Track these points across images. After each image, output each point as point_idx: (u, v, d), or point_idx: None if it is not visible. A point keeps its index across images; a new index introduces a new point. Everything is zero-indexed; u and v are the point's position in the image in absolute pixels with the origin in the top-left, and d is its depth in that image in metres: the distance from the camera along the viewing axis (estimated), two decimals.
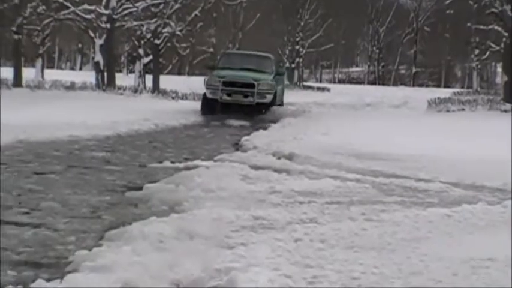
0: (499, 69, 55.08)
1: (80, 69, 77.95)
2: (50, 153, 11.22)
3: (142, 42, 36.45)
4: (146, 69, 37.96)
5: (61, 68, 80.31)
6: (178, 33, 34.47)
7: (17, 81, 29.63)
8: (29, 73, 36.79)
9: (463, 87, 67.11)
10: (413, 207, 7.31)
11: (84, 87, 30.35)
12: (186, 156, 11.71)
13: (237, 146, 13.93)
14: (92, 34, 32.27)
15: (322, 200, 7.55)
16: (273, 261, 4.96)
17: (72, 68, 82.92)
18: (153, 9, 32.87)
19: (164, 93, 30.72)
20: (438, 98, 29.40)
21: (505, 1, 29.76)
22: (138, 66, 38.56)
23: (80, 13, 29.74)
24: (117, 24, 31.41)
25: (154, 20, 33.12)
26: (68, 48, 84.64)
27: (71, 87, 29.94)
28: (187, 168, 9.66)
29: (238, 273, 4.56)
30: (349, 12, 78.06)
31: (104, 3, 29.89)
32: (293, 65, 61.14)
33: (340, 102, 35.24)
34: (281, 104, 23.70)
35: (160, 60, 38.10)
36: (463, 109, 26.01)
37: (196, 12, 35.13)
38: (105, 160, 10.83)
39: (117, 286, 4.46)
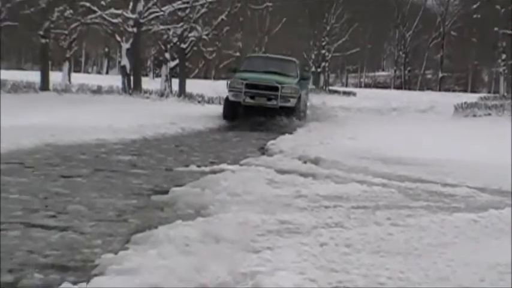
0: None
1: (107, 73, 78.36)
2: (77, 156, 11.29)
3: (168, 46, 36.61)
4: (172, 73, 38.11)
5: (88, 72, 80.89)
6: (204, 37, 34.60)
7: (44, 85, 29.85)
8: (56, 77, 37.05)
9: (489, 92, 66.64)
10: (440, 212, 7.25)
11: (110, 91, 30.55)
12: (212, 160, 11.71)
13: (263, 150, 13.93)
14: (118, 38, 32.51)
15: (348, 204, 7.51)
16: (299, 265, 4.94)
17: (98, 72, 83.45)
18: (179, 13, 33.02)
19: (190, 97, 30.84)
20: (465, 102, 29.24)
21: None
22: (164, 70, 38.73)
23: (106, 17, 29.95)
24: (144, 28, 31.57)
25: (181, 24, 33.26)
26: (95, 52, 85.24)
27: (98, 91, 30.15)
28: (213, 172, 9.65)
29: (263, 277, 4.56)
30: (375, 16, 77.93)
31: (130, 7, 30.07)
32: (319, 69, 61.19)
33: (366, 106, 35.16)
34: (305, 110, 22.88)
35: (187, 64, 38.26)
36: (490, 114, 25.86)
37: (223, 16, 35.26)
38: (131, 164, 10.85)
39: None
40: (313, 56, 61.52)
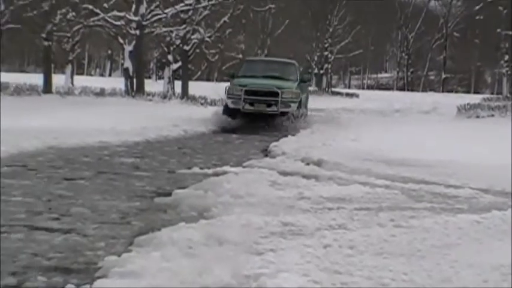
0: None
1: (110, 75, 78.56)
2: (80, 159, 11.29)
3: (171, 48, 36.64)
4: (175, 75, 38.17)
5: (91, 74, 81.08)
6: (207, 39, 34.62)
7: (47, 88, 29.91)
8: (59, 79, 37.14)
9: (492, 93, 66.67)
10: (443, 213, 7.25)
11: (113, 93, 30.57)
12: (215, 162, 11.69)
13: (266, 152, 13.91)
14: (121, 40, 32.55)
15: (351, 206, 7.51)
16: (302, 267, 4.94)
17: (101, 74, 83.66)
18: (182, 15, 33.03)
19: (193, 99, 30.84)
20: (468, 104, 29.20)
21: None
22: (167, 73, 38.79)
23: (109, 20, 29.98)
24: (147, 30, 31.59)
25: (184, 26, 33.28)
26: (98, 54, 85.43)
27: (101, 93, 30.17)
28: (216, 174, 9.65)
29: (267, 279, 4.56)
30: (378, 18, 78.01)
31: (133, 9, 30.09)
32: (322, 71, 61.18)
33: (369, 108, 35.22)
34: (305, 113, 21.84)
35: (189, 66, 38.30)
36: (493, 115, 25.82)
37: (225, 18, 35.28)
38: (134, 166, 10.87)
39: None
40: (315, 58, 61.53)
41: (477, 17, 43.27)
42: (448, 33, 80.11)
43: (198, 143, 15.47)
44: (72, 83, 42.28)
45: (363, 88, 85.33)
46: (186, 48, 34.64)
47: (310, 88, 59.25)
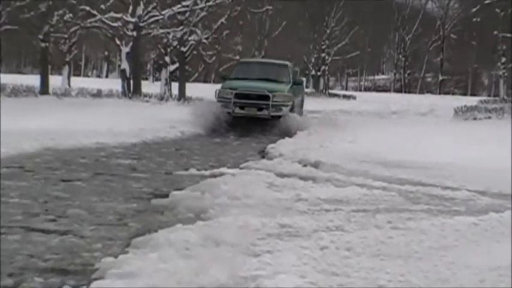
0: None
1: (106, 76, 78.48)
2: (77, 160, 11.30)
3: (168, 50, 36.59)
4: (172, 76, 38.09)
5: (87, 76, 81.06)
6: (204, 41, 34.57)
7: (44, 89, 29.86)
8: (55, 81, 37.05)
9: (489, 96, 66.83)
10: (440, 215, 7.27)
11: (110, 94, 30.53)
12: (212, 164, 11.73)
13: (263, 154, 13.93)
14: (118, 42, 32.47)
15: (348, 208, 7.53)
16: (299, 269, 4.96)
17: (98, 76, 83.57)
18: (179, 17, 33.00)
19: (190, 100, 30.79)
20: (465, 106, 29.23)
21: None
22: (164, 74, 38.70)
23: (106, 21, 29.92)
24: (144, 32, 31.56)
25: (181, 27, 33.24)
26: (95, 55, 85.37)
27: (98, 94, 30.14)
28: (213, 176, 9.68)
29: (264, 280, 4.57)
30: (375, 20, 78.08)
31: (130, 11, 30.05)
32: (319, 73, 61.17)
33: (366, 110, 35.22)
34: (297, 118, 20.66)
35: (186, 67, 38.21)
36: (490, 117, 25.85)
37: (222, 20, 35.25)
38: (131, 167, 10.88)
39: None
40: (313, 60, 61.50)
41: (474, 19, 43.31)
42: (445, 35, 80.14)
43: (195, 144, 15.47)
44: (69, 84, 42.20)
45: (360, 90, 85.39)
46: (183, 49, 34.60)
47: (307, 90, 59.39)
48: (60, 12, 30.51)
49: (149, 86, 41.16)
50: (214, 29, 35.43)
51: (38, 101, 25.30)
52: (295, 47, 58.89)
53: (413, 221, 6.80)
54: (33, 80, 34.51)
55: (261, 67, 22.69)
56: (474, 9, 42.07)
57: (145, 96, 30.15)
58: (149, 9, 30.86)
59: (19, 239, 5.88)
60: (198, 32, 33.98)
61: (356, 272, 4.96)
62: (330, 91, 62.45)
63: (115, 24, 30.28)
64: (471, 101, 40.67)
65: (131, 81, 31.53)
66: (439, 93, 74.58)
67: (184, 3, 32.15)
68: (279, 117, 19.34)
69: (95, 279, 4.79)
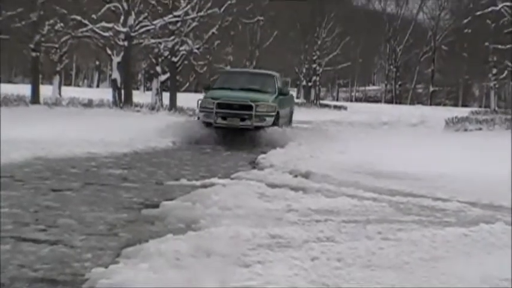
0: None
1: (97, 86, 78.50)
2: (67, 170, 11.29)
3: (159, 59, 36.67)
4: (163, 86, 38.17)
5: (78, 85, 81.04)
6: (195, 51, 34.64)
7: (35, 98, 29.82)
8: (46, 90, 37.05)
9: (480, 107, 67.11)
10: (431, 226, 7.29)
11: (101, 104, 30.53)
12: (203, 174, 11.71)
13: (254, 164, 13.91)
14: (109, 51, 32.51)
15: (339, 218, 7.52)
16: (290, 279, 4.96)
17: (89, 85, 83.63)
18: (170, 27, 33.05)
19: (181, 110, 30.81)
20: (456, 117, 29.32)
21: None
22: (155, 84, 38.77)
23: (97, 31, 29.93)
24: (135, 41, 31.57)
25: (172, 37, 33.29)
26: (86, 65, 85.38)
27: (88, 104, 30.12)
28: (204, 186, 9.67)
29: None
30: (366, 31, 78.42)
31: (121, 21, 30.08)
32: (310, 83, 61.38)
33: (357, 120, 35.32)
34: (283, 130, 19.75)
35: (178, 77, 38.27)
36: (481, 128, 25.92)
37: (214, 30, 35.34)
38: (122, 177, 10.86)
39: None
40: (304, 70, 61.78)
41: (465, 31, 43.46)
42: (436, 46, 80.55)
43: (186, 155, 15.46)
44: (60, 94, 42.23)
45: (351, 100, 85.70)
46: (175, 59, 34.65)
47: (298, 100, 59.51)
48: (51, 21, 30.54)
49: (140, 96, 41.22)
50: (206, 39, 35.51)
51: (28, 111, 25.27)
52: (286, 57, 59.10)
53: (404, 232, 6.80)
54: (24, 89, 34.50)
55: (245, 77, 22.18)
56: (465, 21, 42.20)
57: (136, 106, 30.14)
58: (140, 19, 30.90)
59: (9, 249, 5.86)
60: (190, 42, 34.05)
61: (346, 283, 4.97)
62: (321, 101, 62.71)
63: (106, 34, 30.30)
64: (462, 112, 40.86)
65: (122, 91, 31.55)
66: (430, 104, 74.94)
67: (175, 14, 32.22)
68: (263, 127, 18.79)
69: None
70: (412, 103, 79.86)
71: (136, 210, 7.92)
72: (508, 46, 36.22)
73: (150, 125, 19.19)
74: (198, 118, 19.73)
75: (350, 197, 8.90)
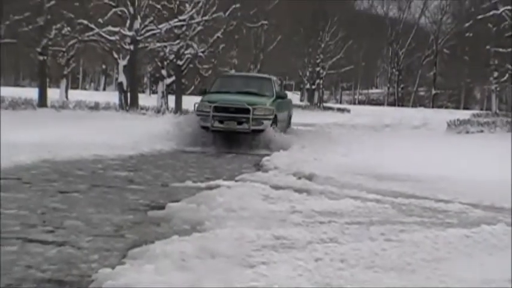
0: None
1: (104, 89, 78.59)
2: (74, 172, 11.34)
3: (165, 63, 36.75)
4: (169, 89, 38.23)
5: (85, 89, 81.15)
6: (200, 54, 34.68)
7: (42, 102, 29.95)
8: (53, 93, 37.13)
9: (482, 109, 67.05)
10: (433, 227, 7.31)
11: (107, 107, 30.60)
12: (208, 176, 11.75)
13: (258, 166, 13.93)
14: (115, 55, 32.64)
15: (342, 220, 7.56)
16: (294, 280, 5.00)
17: (96, 89, 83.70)
18: (176, 31, 33.14)
19: (186, 113, 30.83)
20: (457, 119, 29.35)
21: None
22: (160, 87, 38.85)
23: (104, 35, 30.04)
24: (141, 45, 31.68)
25: (177, 41, 33.37)
26: (92, 69, 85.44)
27: (95, 107, 30.20)
28: (209, 188, 9.71)
29: None
30: (369, 34, 78.35)
31: (127, 25, 30.19)
32: (313, 86, 61.40)
33: (360, 123, 35.32)
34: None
35: (183, 81, 38.33)
36: (482, 131, 25.94)
37: (219, 34, 35.39)
38: (128, 179, 10.91)
39: None
40: (308, 73, 61.78)
41: (467, 34, 43.37)
42: (438, 49, 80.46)
43: (191, 157, 15.49)
44: (66, 97, 42.37)
45: (354, 103, 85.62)
46: (180, 63, 34.71)
47: (302, 103, 59.52)
48: (58, 25, 30.62)
49: (146, 99, 41.27)
50: (211, 43, 35.56)
51: (36, 114, 25.35)
52: (290, 60, 59.12)
53: (407, 233, 6.82)
54: (31, 92, 34.61)
55: (242, 80, 21.90)
56: (467, 24, 42.18)
57: (142, 109, 30.22)
58: (146, 23, 31.01)
59: (17, 250, 5.90)
60: (195, 45, 34.12)
61: (350, 284, 5.00)
62: (325, 104, 62.67)
63: (112, 38, 30.41)
64: (464, 114, 40.82)
65: (128, 94, 31.66)
66: (432, 107, 74.88)
67: (181, 18, 32.32)
68: (260, 131, 18.42)
69: None
70: (414, 106, 79.75)
71: (142, 212, 7.96)
72: (509, 49, 36.23)
73: (155, 128, 19.15)
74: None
75: (353, 199, 8.93)
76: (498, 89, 51.90)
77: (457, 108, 75.28)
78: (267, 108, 18.83)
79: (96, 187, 9.84)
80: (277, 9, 50.75)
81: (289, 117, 22.87)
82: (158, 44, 33.58)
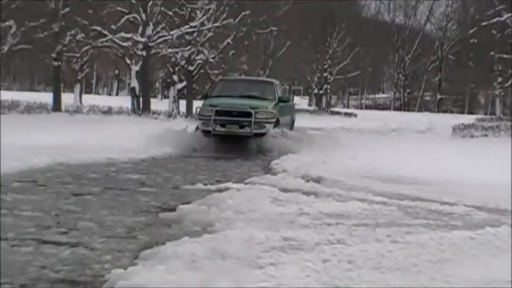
0: None
1: (117, 94, 78.83)
2: (88, 175, 11.45)
3: (176, 68, 36.93)
4: (180, 94, 38.38)
5: (98, 93, 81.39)
6: (211, 60, 34.86)
7: (57, 106, 30.20)
8: (68, 98, 37.30)
9: (486, 114, 66.98)
10: (438, 229, 7.32)
11: (120, 111, 30.79)
12: (218, 179, 11.83)
13: (267, 170, 13.97)
14: (128, 61, 32.86)
15: (349, 222, 7.59)
16: (302, 281, 5.04)
17: (109, 94, 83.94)
18: (187, 37, 33.34)
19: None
20: (462, 124, 29.40)
21: None
22: (172, 92, 39.05)
23: (117, 41, 30.25)
24: (153, 51, 31.87)
25: (188, 47, 33.55)
26: (105, 74, 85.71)
27: (108, 111, 30.38)
28: (219, 191, 9.78)
29: None
30: (375, 41, 78.52)
31: (140, 31, 30.40)
32: (321, 91, 61.50)
33: (367, 127, 35.35)
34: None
35: (194, 86, 38.46)
36: (487, 135, 25.98)
37: (229, 40, 35.57)
38: (140, 182, 11.00)
39: None
40: (316, 79, 61.91)
41: (471, 41, 43.39)
42: (443, 55, 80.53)
43: (201, 160, 15.57)
44: (80, 102, 42.58)
45: (361, 108, 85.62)
46: (191, 68, 34.90)
47: (310, 108, 59.59)
48: (73, 32, 30.92)
49: (158, 104, 41.45)
50: (221, 49, 35.74)
51: (50, 118, 25.54)
52: (298, 66, 59.26)
53: (412, 235, 6.84)
54: (46, 97, 34.80)
55: (244, 84, 21.75)
56: (471, 31, 42.27)
57: (154, 113, 30.42)
58: (158, 29, 31.23)
59: (31, 251, 5.97)
60: (205, 51, 34.30)
61: (357, 285, 5.04)
62: (332, 109, 62.81)
63: (125, 44, 30.63)
64: (468, 119, 40.84)
65: (140, 99, 31.88)
66: (437, 112, 74.94)
67: (192, 24, 32.53)
68: (262, 135, 18.18)
69: None
70: (420, 110, 79.79)
71: (154, 214, 8.02)
72: None
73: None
74: (197, 128, 18.82)
75: (360, 201, 8.97)
76: (502, 94, 51.94)
77: (462, 112, 75.21)
78: (270, 112, 18.62)
79: (109, 189, 9.93)
80: (286, 16, 50.89)
81: (292, 121, 22.60)
82: (170, 50, 33.76)
